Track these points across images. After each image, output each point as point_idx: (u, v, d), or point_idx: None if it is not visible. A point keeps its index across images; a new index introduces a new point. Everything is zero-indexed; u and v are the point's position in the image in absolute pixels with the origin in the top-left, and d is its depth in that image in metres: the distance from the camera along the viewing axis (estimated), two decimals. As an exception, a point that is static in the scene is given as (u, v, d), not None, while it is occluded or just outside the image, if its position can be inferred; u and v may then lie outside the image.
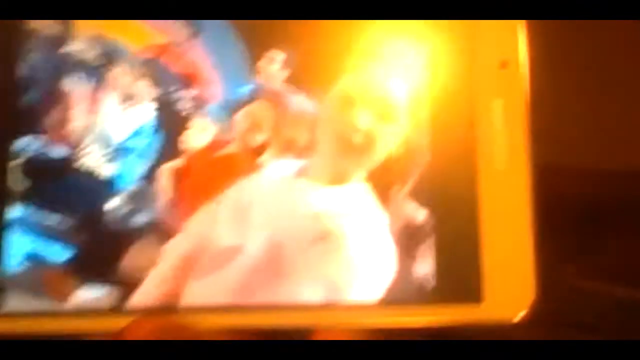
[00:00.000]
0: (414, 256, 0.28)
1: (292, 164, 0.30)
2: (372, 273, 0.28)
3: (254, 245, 0.29)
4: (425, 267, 0.28)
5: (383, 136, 0.29)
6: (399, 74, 0.30)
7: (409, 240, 0.28)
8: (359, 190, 0.29)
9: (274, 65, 0.30)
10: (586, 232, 0.34)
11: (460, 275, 0.28)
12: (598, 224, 0.35)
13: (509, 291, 0.27)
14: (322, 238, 0.29)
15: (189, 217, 0.30)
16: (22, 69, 0.32)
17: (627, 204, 0.36)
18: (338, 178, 0.30)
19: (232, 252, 0.29)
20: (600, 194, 0.35)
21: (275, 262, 0.29)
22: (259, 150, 0.31)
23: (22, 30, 0.32)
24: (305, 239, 0.29)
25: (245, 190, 0.30)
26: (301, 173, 0.30)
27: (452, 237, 0.28)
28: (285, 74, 0.30)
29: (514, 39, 0.29)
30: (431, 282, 0.28)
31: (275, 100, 0.31)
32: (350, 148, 0.29)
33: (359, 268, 0.28)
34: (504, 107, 0.29)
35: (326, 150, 0.30)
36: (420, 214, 0.29)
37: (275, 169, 0.31)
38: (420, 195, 0.29)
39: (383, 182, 0.29)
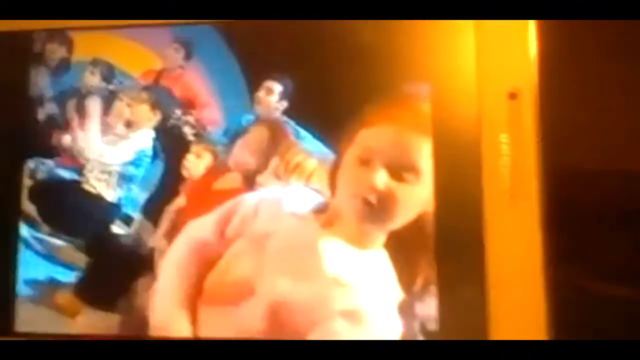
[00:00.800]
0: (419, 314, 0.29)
1: (308, 198, 0.30)
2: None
3: (269, 288, 0.30)
4: (429, 309, 0.28)
5: (401, 194, 0.29)
6: (409, 120, 0.29)
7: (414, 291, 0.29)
8: (380, 257, 0.29)
9: (273, 97, 0.31)
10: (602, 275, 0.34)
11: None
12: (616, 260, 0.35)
13: (519, 332, 0.28)
14: (347, 314, 0.29)
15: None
16: (30, 93, 0.33)
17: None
18: (360, 240, 0.30)
19: (244, 287, 0.30)
20: (615, 232, 0.35)
21: (289, 313, 0.29)
22: (259, 177, 0.31)
23: (29, 54, 0.33)
24: (329, 307, 0.29)
25: (261, 222, 0.31)
26: (321, 212, 0.30)
27: (457, 281, 0.28)
28: (284, 105, 0.31)
29: (523, 69, 0.29)
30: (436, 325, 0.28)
31: (275, 128, 0.31)
32: (370, 209, 0.29)
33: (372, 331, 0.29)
34: (512, 141, 0.29)
35: (346, 206, 0.30)
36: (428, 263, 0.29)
37: (290, 202, 0.31)
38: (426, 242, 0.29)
39: (400, 247, 0.29)
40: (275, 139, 0.31)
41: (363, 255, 0.29)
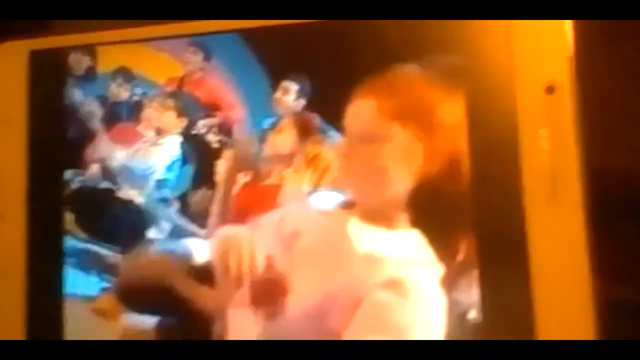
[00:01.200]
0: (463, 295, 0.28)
1: (333, 195, 0.30)
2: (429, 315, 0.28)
3: (303, 282, 0.30)
4: (474, 303, 0.28)
5: (423, 172, 0.29)
6: (436, 106, 0.29)
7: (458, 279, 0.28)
8: (411, 236, 0.29)
9: (290, 96, 0.31)
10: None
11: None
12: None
13: (565, 330, 0.27)
14: (390, 284, 0.28)
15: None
16: (63, 105, 0.34)
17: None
18: (386, 220, 0.29)
19: (278, 284, 0.30)
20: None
21: (329, 303, 0.29)
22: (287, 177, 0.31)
23: (60, 68, 0.34)
24: (371, 283, 0.28)
25: (290, 220, 0.31)
26: (347, 207, 0.30)
27: (500, 271, 0.28)
28: (302, 103, 0.31)
29: (560, 62, 0.28)
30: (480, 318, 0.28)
31: (302, 125, 0.31)
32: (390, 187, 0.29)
33: (419, 312, 0.28)
34: (551, 137, 0.27)
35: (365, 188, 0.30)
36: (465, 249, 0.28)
37: (317, 199, 0.31)
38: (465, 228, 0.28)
39: (431, 223, 0.29)
40: (302, 134, 0.31)
41: (395, 235, 0.29)
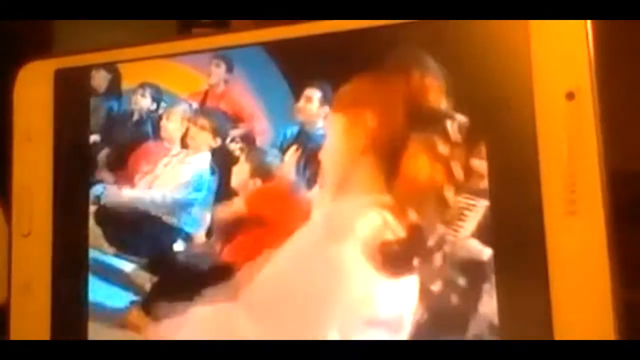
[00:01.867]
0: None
1: None
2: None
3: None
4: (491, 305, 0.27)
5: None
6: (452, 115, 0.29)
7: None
8: None
9: (313, 104, 0.31)
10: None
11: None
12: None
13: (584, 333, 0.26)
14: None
15: (253, 259, 0.31)
16: (89, 122, 0.35)
17: None
18: None
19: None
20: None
21: None
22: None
23: (86, 81, 0.35)
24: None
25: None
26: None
27: (518, 275, 0.27)
28: (325, 111, 0.31)
29: (581, 67, 0.27)
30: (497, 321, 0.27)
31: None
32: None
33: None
34: (571, 143, 0.27)
35: None
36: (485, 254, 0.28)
37: None
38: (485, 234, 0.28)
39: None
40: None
41: None
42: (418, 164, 0.29)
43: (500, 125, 0.28)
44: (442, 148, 0.29)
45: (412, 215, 0.29)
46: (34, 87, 0.35)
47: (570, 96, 0.27)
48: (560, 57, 0.27)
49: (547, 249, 0.27)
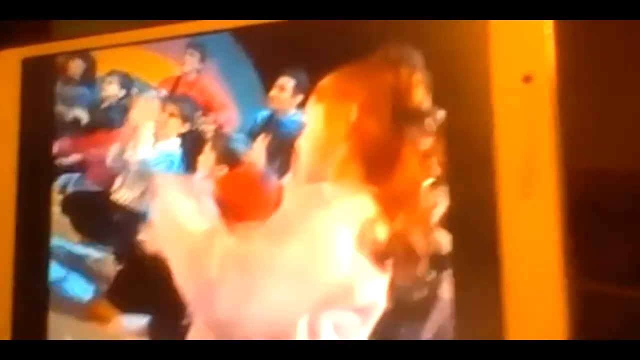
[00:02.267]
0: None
1: None
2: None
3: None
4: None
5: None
6: (412, 96, 0.29)
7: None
8: None
9: (286, 93, 0.31)
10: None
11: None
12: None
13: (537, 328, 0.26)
14: None
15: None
16: (56, 108, 0.34)
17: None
18: None
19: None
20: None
21: None
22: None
23: (53, 69, 0.34)
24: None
25: None
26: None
27: (473, 266, 0.27)
28: (299, 99, 0.31)
29: (538, 50, 0.27)
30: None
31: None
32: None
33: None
34: (528, 127, 0.27)
35: None
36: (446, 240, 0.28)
37: None
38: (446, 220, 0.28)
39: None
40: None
41: None
42: (396, 156, 0.29)
43: (459, 110, 0.28)
44: (421, 141, 0.29)
45: (389, 204, 0.29)
46: (1, 76, 0.35)
47: (527, 79, 0.27)
48: (518, 40, 0.27)
49: (501, 232, 0.26)
